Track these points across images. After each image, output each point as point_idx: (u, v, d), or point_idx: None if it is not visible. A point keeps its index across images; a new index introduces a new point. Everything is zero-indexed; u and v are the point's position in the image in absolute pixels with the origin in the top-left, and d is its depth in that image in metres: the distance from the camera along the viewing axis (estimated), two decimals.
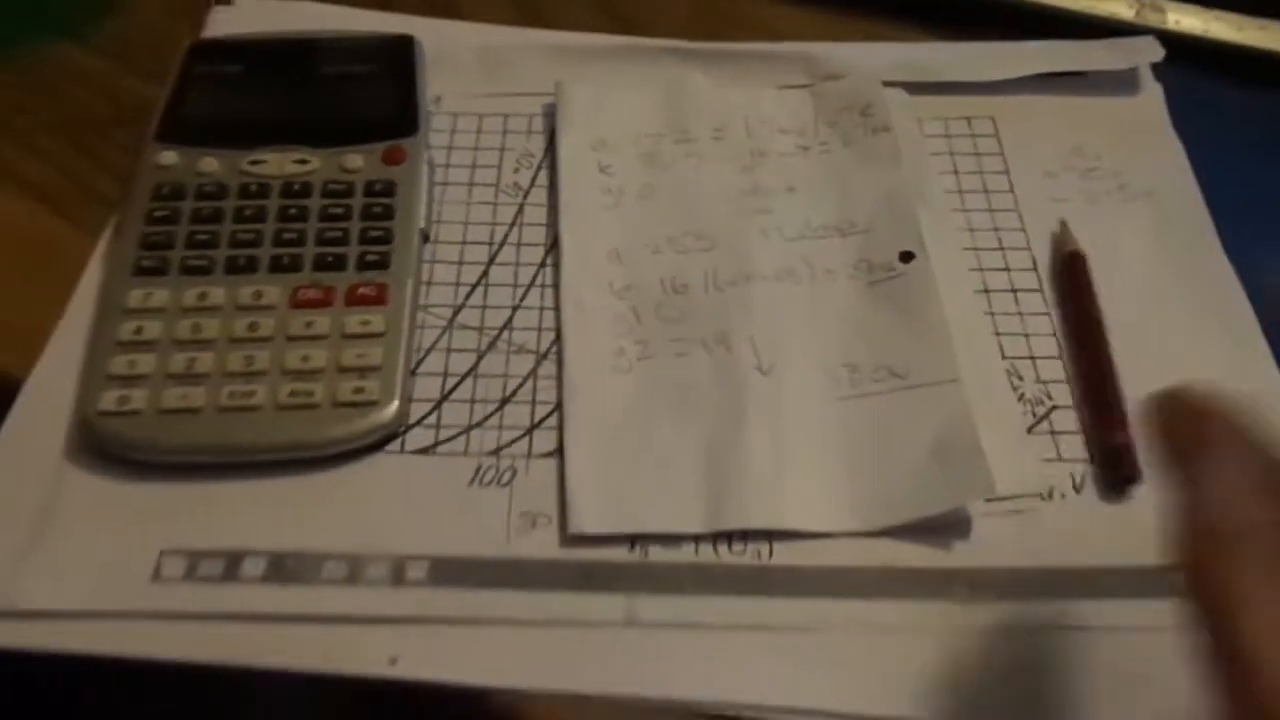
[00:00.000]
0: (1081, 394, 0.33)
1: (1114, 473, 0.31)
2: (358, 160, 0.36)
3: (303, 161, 0.36)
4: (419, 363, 0.33)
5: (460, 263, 0.36)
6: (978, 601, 0.29)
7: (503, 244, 0.36)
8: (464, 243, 0.36)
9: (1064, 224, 0.36)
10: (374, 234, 0.34)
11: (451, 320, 0.34)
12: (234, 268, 0.33)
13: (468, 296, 0.35)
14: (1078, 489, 0.31)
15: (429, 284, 0.35)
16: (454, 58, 0.41)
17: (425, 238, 0.36)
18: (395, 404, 0.31)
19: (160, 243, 0.34)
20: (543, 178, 0.38)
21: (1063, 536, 0.30)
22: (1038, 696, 0.28)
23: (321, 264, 0.34)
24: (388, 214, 0.35)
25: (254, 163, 0.36)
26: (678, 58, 0.41)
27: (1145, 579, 0.29)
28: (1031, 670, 0.28)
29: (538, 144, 0.39)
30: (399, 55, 0.39)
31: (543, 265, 0.36)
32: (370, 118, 0.37)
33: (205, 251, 0.34)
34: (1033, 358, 0.34)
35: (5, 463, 0.31)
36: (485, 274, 0.36)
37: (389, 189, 0.35)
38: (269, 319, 0.32)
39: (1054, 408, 0.33)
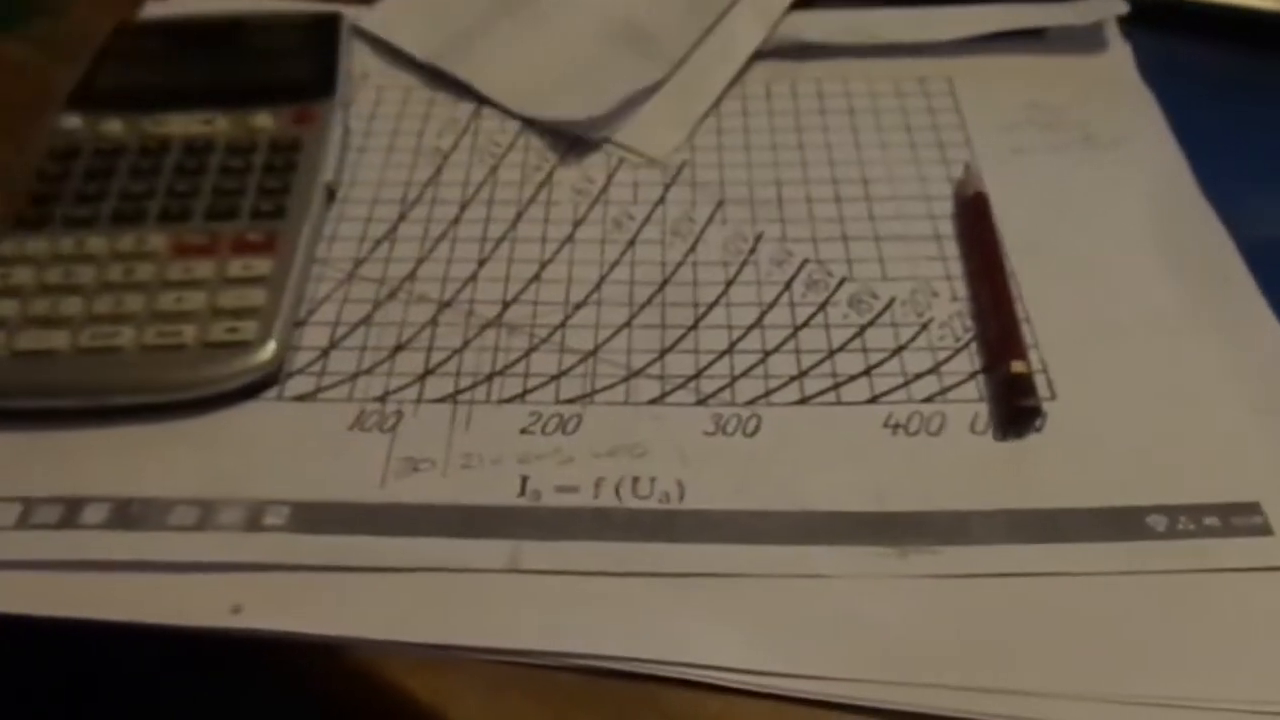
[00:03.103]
0: (983, 331, 0.30)
1: (1013, 403, 0.27)
2: (266, 120, 0.34)
3: (207, 122, 0.34)
4: (310, 313, 0.31)
5: (369, 219, 0.34)
6: (915, 547, 0.25)
7: (416, 201, 0.34)
8: (375, 201, 0.34)
9: (967, 167, 0.34)
10: (271, 185, 0.32)
11: (351, 273, 0.32)
12: (119, 218, 0.31)
13: (372, 250, 0.33)
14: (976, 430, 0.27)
15: (332, 239, 0.33)
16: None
17: (331, 195, 0.33)
18: (272, 346, 0.28)
19: (46, 197, 0.32)
20: (466, 142, 0.36)
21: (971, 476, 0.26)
22: (980, 645, 0.23)
23: (213, 214, 0.32)
24: (289, 167, 0.33)
25: (157, 124, 0.34)
26: None
27: (1061, 520, 0.25)
28: (973, 617, 0.24)
29: (465, 110, 0.38)
30: (322, 29, 0.38)
31: (455, 221, 0.34)
32: (283, 82, 0.36)
33: (92, 204, 0.32)
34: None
35: None
36: (394, 229, 0.33)
37: (294, 145, 0.34)
38: (148, 265, 0.30)
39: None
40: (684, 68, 0.38)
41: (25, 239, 0.31)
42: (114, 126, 0.34)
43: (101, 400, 0.28)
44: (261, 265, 0.30)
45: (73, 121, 0.35)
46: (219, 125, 0.34)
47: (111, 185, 0.32)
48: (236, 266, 0.30)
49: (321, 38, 0.38)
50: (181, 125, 0.34)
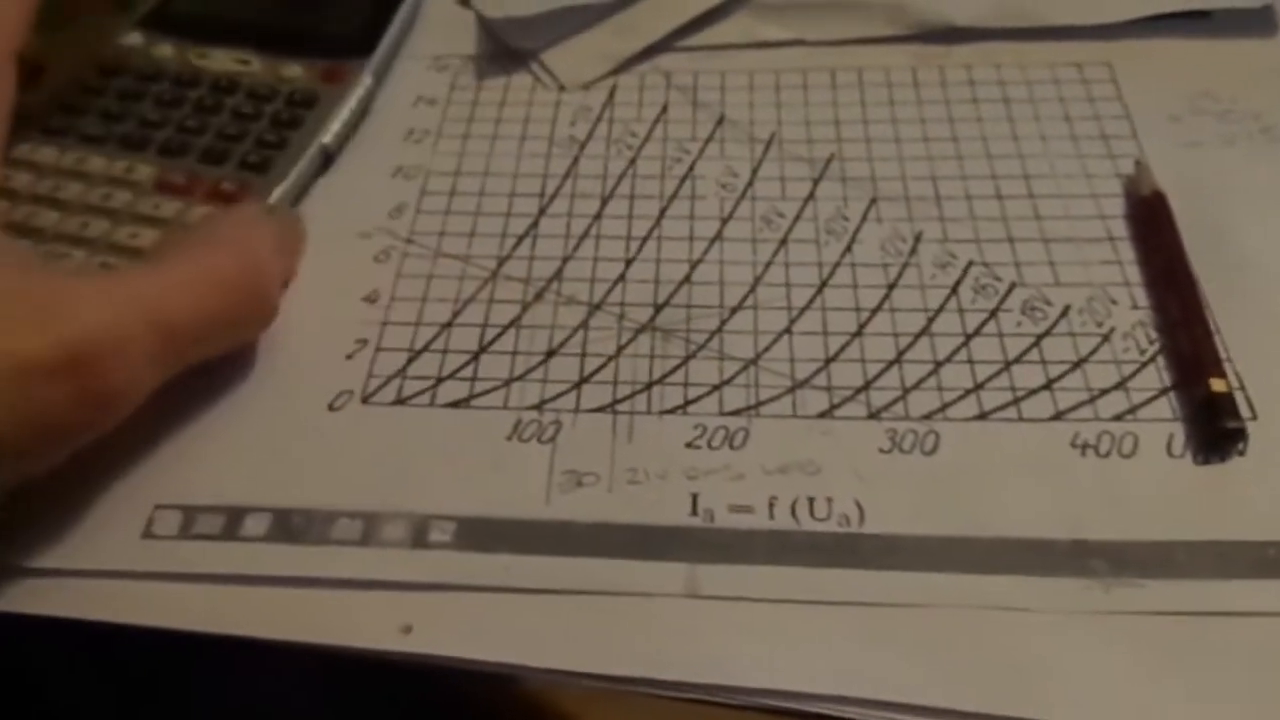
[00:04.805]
0: (1172, 343, 0.28)
1: (1216, 425, 0.26)
2: (295, 70, 0.35)
3: (244, 62, 0.35)
4: (456, 314, 0.30)
5: (508, 214, 0.32)
6: (1121, 580, 0.24)
7: (555, 195, 0.33)
8: (513, 194, 0.33)
9: (1139, 164, 0.32)
10: (269, 139, 0.32)
11: (495, 271, 0.31)
12: (126, 143, 0.32)
13: (514, 248, 0.31)
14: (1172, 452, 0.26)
15: (472, 235, 0.32)
16: None
17: (328, 157, 0.33)
18: None
19: (74, 109, 0.33)
20: (601, 131, 0.35)
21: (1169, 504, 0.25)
22: (1197, 694, 0.22)
23: (206, 156, 0.32)
24: (294, 124, 0.33)
25: (200, 56, 0.35)
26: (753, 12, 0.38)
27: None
28: (1185, 660, 0.22)
29: (598, 97, 0.36)
30: None
31: (598, 217, 0.32)
32: (326, 34, 0.36)
33: (110, 124, 0.33)
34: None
35: None
36: (534, 225, 0.32)
37: (309, 101, 0.34)
38: (125, 194, 0.31)
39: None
40: (636, 6, 0.37)
41: (40, 146, 0.32)
42: (164, 51, 0.35)
43: None
44: None
45: (132, 39, 0.36)
46: (252, 67, 0.35)
47: (135, 109, 0.33)
48: (197, 214, 0.30)
49: None
50: (219, 61, 0.35)
